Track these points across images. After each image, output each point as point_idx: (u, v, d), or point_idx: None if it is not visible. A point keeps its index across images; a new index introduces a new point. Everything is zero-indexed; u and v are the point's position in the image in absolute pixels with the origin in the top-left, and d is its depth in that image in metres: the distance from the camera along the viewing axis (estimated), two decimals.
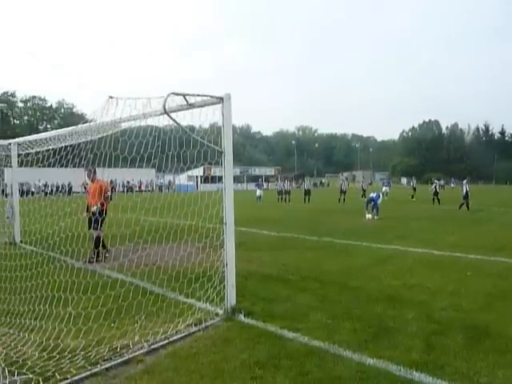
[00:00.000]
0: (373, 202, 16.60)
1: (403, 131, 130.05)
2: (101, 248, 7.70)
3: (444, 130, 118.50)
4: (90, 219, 7.40)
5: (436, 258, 8.55)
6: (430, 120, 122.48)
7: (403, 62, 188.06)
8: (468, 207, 20.30)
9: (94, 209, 7.60)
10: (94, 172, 8.06)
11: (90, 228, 7.43)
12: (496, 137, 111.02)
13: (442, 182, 27.04)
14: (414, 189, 32.78)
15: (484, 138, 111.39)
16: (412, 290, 6.11)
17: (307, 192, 28.40)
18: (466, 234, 12.14)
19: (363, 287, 6.24)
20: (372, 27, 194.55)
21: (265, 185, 52.30)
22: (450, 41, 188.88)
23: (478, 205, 22.61)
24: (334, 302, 5.53)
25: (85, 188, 9.83)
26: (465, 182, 21.36)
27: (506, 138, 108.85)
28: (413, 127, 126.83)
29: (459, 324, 4.64)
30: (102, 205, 7.64)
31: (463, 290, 6.06)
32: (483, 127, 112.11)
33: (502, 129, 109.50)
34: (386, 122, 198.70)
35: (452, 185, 55.02)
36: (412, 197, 30.34)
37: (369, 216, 16.46)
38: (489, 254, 8.72)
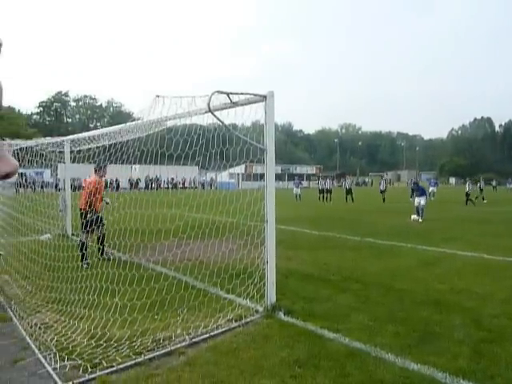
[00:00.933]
0: (420, 192, 16.32)
1: (452, 129, 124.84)
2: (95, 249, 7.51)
3: (497, 128, 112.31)
4: (85, 221, 7.13)
5: (486, 262, 8.12)
6: (481, 117, 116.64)
7: (451, 58, 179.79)
8: None
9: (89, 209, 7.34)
10: (104, 168, 7.83)
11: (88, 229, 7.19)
12: None
13: (477, 184, 25.79)
14: (481, 190, 30.05)
15: None
16: (460, 294, 5.84)
17: (349, 191, 27.90)
18: None
19: (408, 290, 6.05)
20: (417, 21, 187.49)
21: (304, 183, 51.86)
22: (501, 32, 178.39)
23: None
24: (377, 303, 5.40)
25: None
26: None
27: None
28: (463, 125, 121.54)
29: (511, 332, 4.39)
30: (91, 205, 7.35)
31: None
32: None
33: None
34: (433, 119, 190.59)
35: (509, 185, 50.95)
36: (483, 199, 27.81)
37: (414, 217, 15.91)
38: None
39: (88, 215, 7.24)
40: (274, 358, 3.76)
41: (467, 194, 25.04)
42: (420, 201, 16.09)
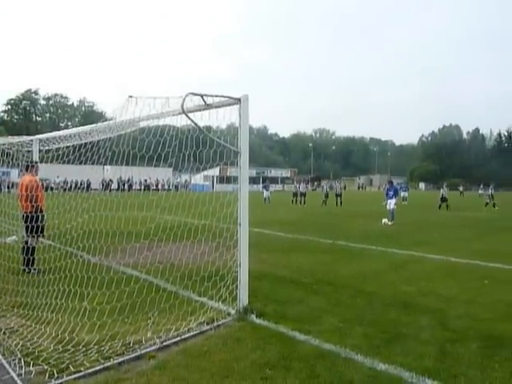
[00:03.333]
0: (392, 193, 17.02)
1: (422, 135, 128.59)
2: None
3: (465, 136, 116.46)
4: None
5: (453, 265, 8.39)
6: (450, 124, 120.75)
7: (423, 65, 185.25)
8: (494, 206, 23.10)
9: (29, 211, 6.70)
10: (36, 166, 7.32)
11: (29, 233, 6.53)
12: None
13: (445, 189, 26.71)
14: (491, 196, 28.59)
15: (506, 145, 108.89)
16: (427, 296, 6.02)
17: (339, 195, 28.03)
18: (486, 242, 11.89)
19: (377, 292, 6.18)
20: (391, 28, 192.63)
21: (277, 186, 52.17)
22: (472, 43, 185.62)
23: (500, 212, 22.14)
24: (347, 306, 5.49)
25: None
26: (491, 187, 25.29)
27: None
28: (433, 132, 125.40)
29: (474, 333, 4.55)
30: (33, 206, 6.77)
31: (480, 298, 5.93)
32: (505, 133, 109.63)
33: None
34: (404, 126, 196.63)
35: (480, 191, 51.66)
36: (494, 206, 27.04)
37: (385, 220, 16.29)
38: (509, 262, 8.51)
39: (35, 217, 6.48)
40: (246, 361, 3.77)
41: (443, 199, 25.16)
42: (391, 203, 16.60)
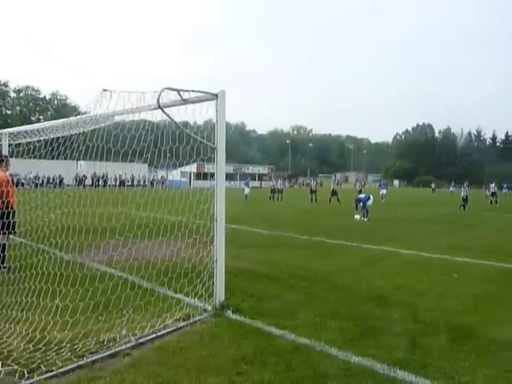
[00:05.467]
0: (361, 203, 16.67)
1: (397, 134, 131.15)
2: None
3: (437, 134, 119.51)
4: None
5: (425, 260, 8.63)
6: (423, 123, 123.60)
7: (398, 65, 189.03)
8: (464, 208, 22.94)
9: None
10: (7, 160, 7.00)
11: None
12: (488, 142, 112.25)
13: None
14: (494, 194, 29.33)
15: (476, 143, 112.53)
16: (399, 290, 6.18)
17: (334, 192, 27.63)
18: (456, 238, 12.28)
19: (352, 287, 6.30)
20: (368, 29, 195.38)
21: (255, 183, 52.19)
22: (445, 45, 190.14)
23: (470, 209, 22.87)
24: (322, 300, 5.57)
25: None
26: (464, 184, 24.74)
27: (497, 144, 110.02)
28: (406, 130, 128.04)
29: (444, 325, 4.71)
30: (3, 202, 6.46)
31: (449, 291, 6.14)
32: (475, 132, 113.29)
33: (494, 134, 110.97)
34: (380, 124, 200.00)
35: (451, 189, 52.41)
36: (496, 202, 27.96)
37: (357, 217, 16.58)
38: (476, 257, 8.83)
39: (5, 213, 6.29)
40: (222, 356, 3.78)
41: (465, 199, 23.44)
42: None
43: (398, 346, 4.08)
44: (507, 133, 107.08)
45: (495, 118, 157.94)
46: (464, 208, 22.84)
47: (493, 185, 27.39)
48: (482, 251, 9.69)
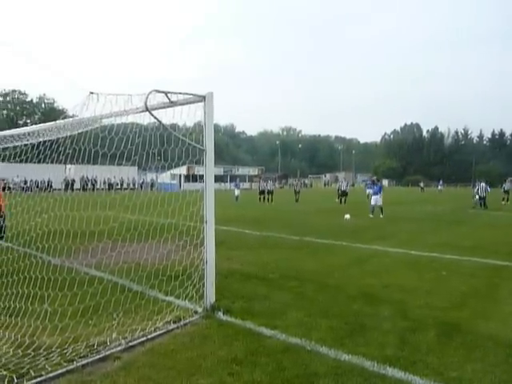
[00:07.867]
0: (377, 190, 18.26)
1: (385, 134, 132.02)
2: None
3: (425, 133, 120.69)
4: None
5: (413, 258, 8.73)
6: (411, 123, 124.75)
7: (387, 66, 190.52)
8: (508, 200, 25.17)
9: None
10: None
11: None
12: (475, 141, 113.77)
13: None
14: (507, 192, 28.98)
15: (463, 142, 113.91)
16: (388, 288, 6.24)
17: (343, 193, 27.22)
18: (444, 235, 12.44)
19: (341, 286, 6.34)
20: (356, 31, 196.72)
21: (245, 184, 52.23)
22: (434, 45, 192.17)
23: (456, 207, 23.16)
24: (312, 300, 5.61)
25: None
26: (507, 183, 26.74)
27: (484, 143, 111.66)
28: (394, 130, 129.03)
29: (432, 321, 4.78)
30: None
31: (438, 289, 6.22)
32: (462, 131, 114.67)
33: (481, 133, 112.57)
34: (369, 124, 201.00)
35: (439, 187, 53.56)
36: (507, 199, 28.08)
37: (347, 216, 16.73)
38: (464, 254, 8.96)
39: None
40: (213, 358, 3.78)
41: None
42: (377, 200, 18.15)
43: (387, 343, 4.13)
44: (493, 131, 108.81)
45: (482, 116, 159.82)
46: (507, 200, 24.33)
47: (483, 184, 25.36)
48: (469, 248, 9.84)
